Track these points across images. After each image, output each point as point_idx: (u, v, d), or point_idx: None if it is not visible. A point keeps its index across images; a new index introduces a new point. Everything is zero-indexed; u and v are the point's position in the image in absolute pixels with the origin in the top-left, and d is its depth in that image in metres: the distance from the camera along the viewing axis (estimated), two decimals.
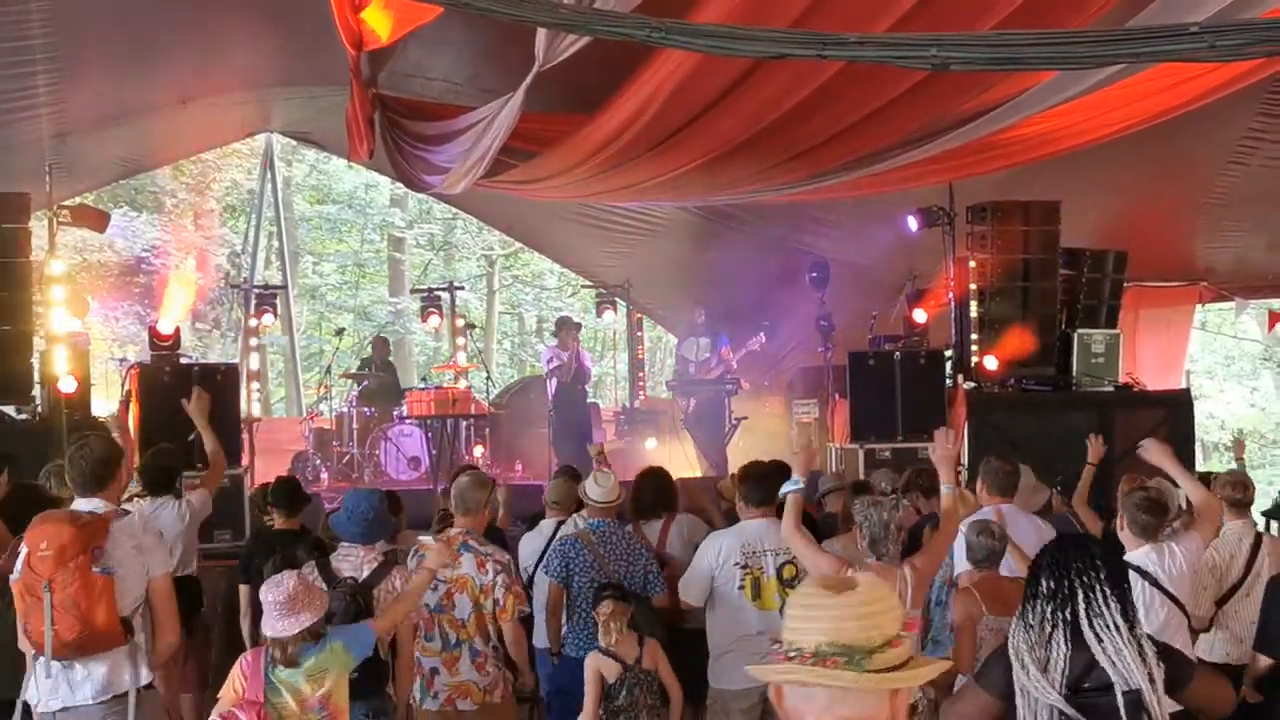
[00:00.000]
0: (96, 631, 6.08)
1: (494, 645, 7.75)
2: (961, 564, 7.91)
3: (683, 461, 17.04)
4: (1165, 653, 4.55)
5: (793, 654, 2.73)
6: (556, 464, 14.06)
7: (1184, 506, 8.43)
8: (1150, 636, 4.53)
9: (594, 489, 8.57)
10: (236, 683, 6.10)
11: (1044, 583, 4.34)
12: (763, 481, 8.12)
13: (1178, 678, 4.58)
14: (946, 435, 7.36)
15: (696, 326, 18.50)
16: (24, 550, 6.18)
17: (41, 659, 6.17)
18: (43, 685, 6.23)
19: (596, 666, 7.63)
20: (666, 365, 36.69)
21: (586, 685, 7.62)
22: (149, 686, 6.44)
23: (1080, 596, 4.25)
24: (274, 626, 6.02)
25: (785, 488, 7.32)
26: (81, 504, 6.38)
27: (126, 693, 6.27)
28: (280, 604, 6.01)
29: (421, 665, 7.66)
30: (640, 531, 9.04)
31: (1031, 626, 4.30)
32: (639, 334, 23.03)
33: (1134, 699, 4.22)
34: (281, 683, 6.03)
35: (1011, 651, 4.43)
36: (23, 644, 6.29)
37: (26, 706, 6.33)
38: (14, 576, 6.25)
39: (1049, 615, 4.26)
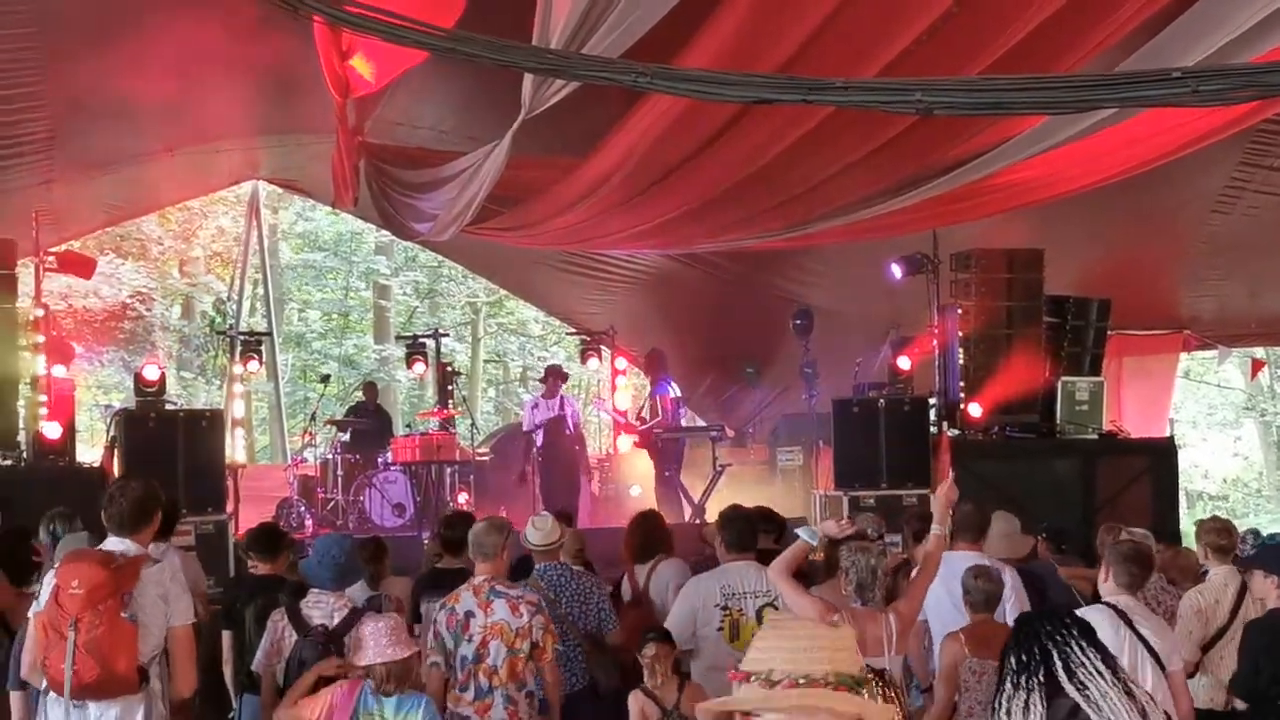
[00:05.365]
0: (116, 676, 6.11)
1: (529, 692, 7.55)
2: (934, 614, 7.89)
3: (666, 507, 16.96)
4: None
5: (801, 680, 2.82)
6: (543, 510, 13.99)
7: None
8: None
9: (534, 534, 8.56)
10: (324, 706, 6.34)
11: (1011, 659, 4.17)
12: (742, 526, 8.10)
13: None
14: (950, 484, 7.28)
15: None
16: (51, 583, 6.22)
17: (53, 696, 6.19)
18: None
19: (640, 706, 7.46)
20: None
21: None
22: None
23: (1055, 656, 4.10)
24: (384, 653, 6.30)
25: (800, 532, 7.25)
26: (114, 543, 6.43)
27: None
28: (385, 631, 6.33)
29: (456, 717, 7.51)
30: (632, 574, 9.04)
31: (999, 707, 4.12)
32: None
33: None
34: None
35: None
36: (33, 678, 6.31)
37: None
38: (37, 608, 6.30)
39: (1022, 683, 4.11)
